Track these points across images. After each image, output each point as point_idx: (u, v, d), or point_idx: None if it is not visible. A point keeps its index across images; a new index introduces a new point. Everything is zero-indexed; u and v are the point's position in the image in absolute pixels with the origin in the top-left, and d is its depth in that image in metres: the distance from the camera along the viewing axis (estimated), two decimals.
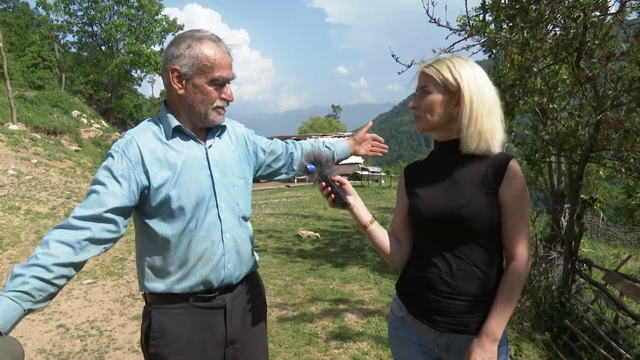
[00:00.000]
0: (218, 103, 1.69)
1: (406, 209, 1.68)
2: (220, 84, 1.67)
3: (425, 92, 1.56)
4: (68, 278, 1.47)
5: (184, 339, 1.68)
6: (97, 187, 1.55)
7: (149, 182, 1.61)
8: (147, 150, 1.62)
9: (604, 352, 4.44)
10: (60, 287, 1.45)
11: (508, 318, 1.49)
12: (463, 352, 1.52)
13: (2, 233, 7.79)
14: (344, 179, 1.59)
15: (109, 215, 1.53)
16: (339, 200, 1.54)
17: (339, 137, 34.23)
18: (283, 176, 2.10)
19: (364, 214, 1.60)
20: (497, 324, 1.47)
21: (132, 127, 1.75)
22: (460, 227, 1.52)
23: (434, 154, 1.70)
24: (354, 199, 1.58)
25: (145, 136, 1.65)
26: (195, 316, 1.70)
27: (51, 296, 1.43)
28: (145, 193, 1.62)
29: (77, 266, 1.49)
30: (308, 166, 1.57)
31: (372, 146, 2.27)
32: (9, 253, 6.95)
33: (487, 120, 1.50)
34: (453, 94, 1.53)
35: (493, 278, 1.54)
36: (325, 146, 2.15)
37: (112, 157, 1.59)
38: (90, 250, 1.51)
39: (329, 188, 1.55)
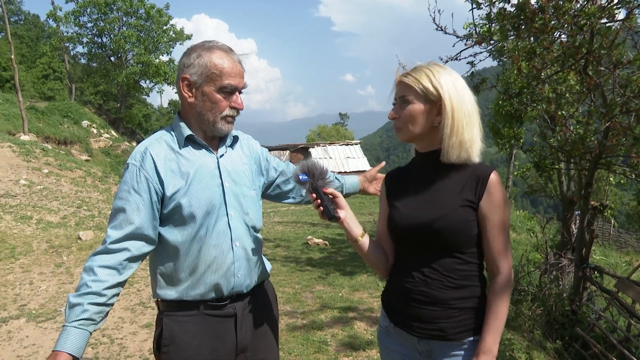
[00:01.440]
0: (227, 112, 1.70)
1: (387, 218, 1.69)
2: (229, 92, 1.68)
3: (406, 101, 1.53)
4: (118, 294, 1.63)
5: (194, 347, 1.70)
6: (121, 204, 1.62)
7: (164, 191, 1.65)
8: (160, 160, 1.66)
9: None
10: (113, 304, 1.61)
11: (501, 332, 1.51)
12: (444, 358, 1.55)
13: (15, 242, 7.87)
14: (337, 192, 1.60)
15: (140, 231, 1.61)
16: (327, 214, 1.56)
17: (347, 145, 34.24)
18: (290, 200, 2.11)
19: (355, 228, 1.62)
20: (492, 340, 1.49)
21: (142, 137, 1.79)
22: (435, 239, 1.51)
23: (415, 162, 1.70)
24: (345, 213, 1.59)
25: (158, 146, 1.69)
26: (206, 324, 1.72)
27: (107, 313, 1.60)
28: (162, 203, 1.67)
29: (124, 283, 1.63)
30: (300, 176, 1.59)
31: None
32: (21, 262, 7.02)
33: (467, 129, 1.49)
34: (434, 103, 1.51)
35: (471, 286, 1.54)
36: (335, 178, 2.14)
37: (130, 171, 1.64)
38: (132, 266, 1.63)
39: (319, 200, 1.57)
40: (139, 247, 1.62)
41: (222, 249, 1.71)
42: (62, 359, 1.45)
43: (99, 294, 1.53)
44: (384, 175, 2.21)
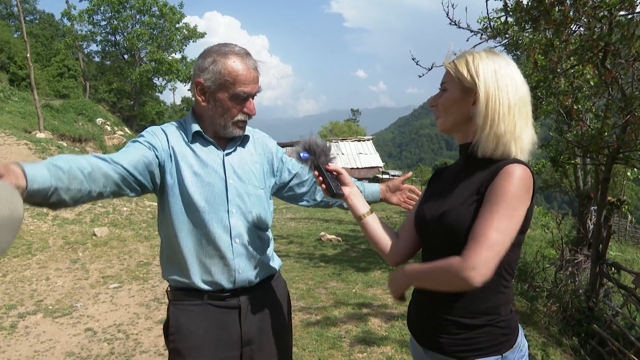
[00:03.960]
0: (239, 117, 1.73)
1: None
2: (242, 98, 1.70)
3: (444, 89, 1.44)
4: (86, 186, 1.41)
5: (199, 336, 1.73)
6: (130, 146, 1.65)
7: (164, 163, 1.68)
8: (173, 139, 1.72)
9: (635, 358, 4.34)
10: (80, 193, 1.39)
11: (421, 280, 1.39)
12: None
13: (31, 238, 7.97)
14: (341, 169, 1.56)
15: (126, 172, 1.55)
16: (329, 190, 1.51)
17: (359, 141, 34.11)
18: (304, 203, 2.09)
19: (360, 205, 1.55)
20: (414, 269, 1.39)
21: None
22: (440, 236, 1.40)
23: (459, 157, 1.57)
24: (350, 190, 1.54)
25: (172, 130, 1.75)
26: (210, 314, 1.76)
27: (71, 199, 1.37)
28: (162, 182, 1.70)
29: (91, 179, 1.43)
30: (301, 154, 1.57)
31: (407, 197, 2.12)
32: (38, 258, 7.11)
33: (505, 121, 1.33)
34: (469, 91, 1.37)
35: (480, 299, 1.36)
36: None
37: (143, 135, 1.71)
38: (104, 182, 1.48)
39: (321, 177, 1.53)
40: (117, 179, 1.53)
41: (221, 245, 1.73)
42: (14, 168, 1.18)
43: (77, 162, 1.40)
44: (409, 186, 2.11)
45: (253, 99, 1.75)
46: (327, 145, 1.59)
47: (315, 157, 1.56)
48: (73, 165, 1.37)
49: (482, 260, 1.23)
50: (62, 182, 1.32)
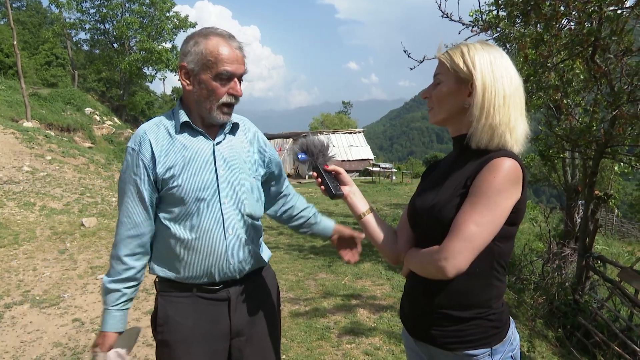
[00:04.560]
0: (225, 99, 1.68)
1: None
2: (226, 78, 1.66)
3: (437, 81, 1.43)
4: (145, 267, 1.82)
5: (188, 328, 1.73)
6: (126, 189, 1.70)
7: (158, 174, 1.68)
8: (157, 144, 1.68)
9: (619, 350, 4.41)
10: (143, 278, 1.79)
11: (412, 264, 1.43)
12: None
13: (18, 229, 7.90)
14: (340, 169, 1.55)
15: (147, 218, 1.73)
16: (328, 191, 1.51)
17: (350, 133, 34.01)
18: (270, 211, 2.10)
19: (359, 204, 1.55)
20: (411, 251, 1.46)
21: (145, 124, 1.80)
22: (431, 228, 1.39)
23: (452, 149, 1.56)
24: (349, 189, 1.54)
25: (156, 130, 1.72)
26: (199, 306, 1.75)
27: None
28: (157, 185, 1.70)
29: (150, 254, 1.80)
30: (299, 155, 1.56)
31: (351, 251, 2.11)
32: (25, 248, 7.05)
33: (501, 112, 1.32)
34: (465, 82, 1.36)
35: (470, 293, 1.37)
36: (314, 214, 2.16)
37: (129, 155, 1.69)
38: (148, 250, 1.78)
39: (319, 179, 1.53)
40: (151, 229, 1.75)
41: (214, 236, 1.71)
42: (111, 339, 1.67)
43: (133, 279, 1.73)
44: (359, 239, 2.09)
45: (240, 81, 1.71)
46: (325, 143, 1.58)
47: (314, 159, 1.55)
48: (129, 290, 1.75)
49: (455, 250, 1.26)
50: (132, 300, 1.77)
